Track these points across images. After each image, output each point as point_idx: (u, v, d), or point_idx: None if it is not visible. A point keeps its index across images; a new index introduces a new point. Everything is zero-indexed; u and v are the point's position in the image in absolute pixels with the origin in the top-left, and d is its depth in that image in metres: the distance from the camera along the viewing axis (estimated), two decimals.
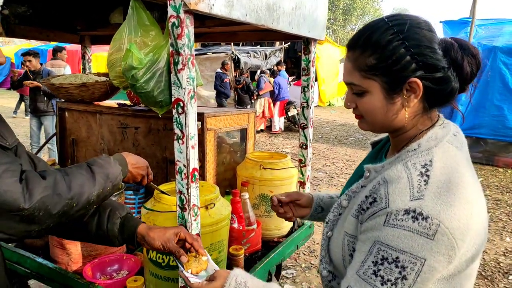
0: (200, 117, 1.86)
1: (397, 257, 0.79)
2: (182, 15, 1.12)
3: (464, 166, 0.86)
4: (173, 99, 1.19)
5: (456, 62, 0.86)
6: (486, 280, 3.48)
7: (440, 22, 9.47)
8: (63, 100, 2.42)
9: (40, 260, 1.69)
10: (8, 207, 0.85)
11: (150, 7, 1.36)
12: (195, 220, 1.26)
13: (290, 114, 10.46)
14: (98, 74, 2.46)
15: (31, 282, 1.87)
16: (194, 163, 1.24)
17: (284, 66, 11.51)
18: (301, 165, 2.14)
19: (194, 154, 1.23)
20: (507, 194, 5.89)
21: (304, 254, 3.85)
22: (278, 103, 10.26)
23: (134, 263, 1.63)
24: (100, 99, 2.31)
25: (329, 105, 17.09)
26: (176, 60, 1.15)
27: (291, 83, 13.52)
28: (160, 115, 1.36)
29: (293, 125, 10.69)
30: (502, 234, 4.44)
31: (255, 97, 10.08)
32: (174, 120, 1.20)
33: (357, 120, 0.98)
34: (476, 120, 7.31)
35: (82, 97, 2.25)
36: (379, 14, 39.94)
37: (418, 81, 0.85)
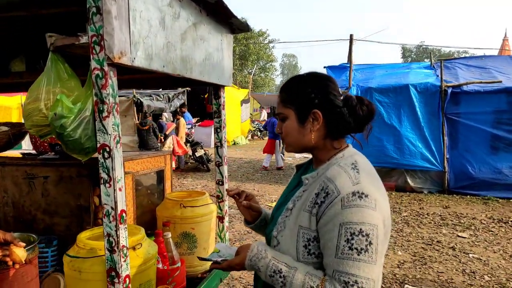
0: None
1: (360, 229, 1.03)
2: (106, 67, 1.22)
3: (372, 167, 1.20)
4: (98, 145, 1.25)
5: (350, 106, 1.18)
6: None
7: (324, 67, 10.65)
8: None
9: None
10: None
11: (68, 59, 1.41)
12: (124, 261, 1.29)
13: (197, 154, 10.55)
14: None
15: None
16: (122, 205, 1.29)
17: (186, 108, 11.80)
18: (219, 200, 2.26)
19: (121, 197, 1.29)
20: (394, 214, 6.72)
21: None
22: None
23: None
24: (0, 150, 2.17)
25: (234, 144, 17.65)
26: (101, 108, 1.23)
27: (195, 124, 13.72)
28: (83, 162, 1.39)
29: (201, 165, 10.78)
30: (394, 249, 5.04)
31: (162, 140, 10.06)
32: (100, 165, 1.25)
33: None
34: (363, 151, 8.33)
35: None
36: (272, 59, 43.33)
37: (319, 112, 1.16)
